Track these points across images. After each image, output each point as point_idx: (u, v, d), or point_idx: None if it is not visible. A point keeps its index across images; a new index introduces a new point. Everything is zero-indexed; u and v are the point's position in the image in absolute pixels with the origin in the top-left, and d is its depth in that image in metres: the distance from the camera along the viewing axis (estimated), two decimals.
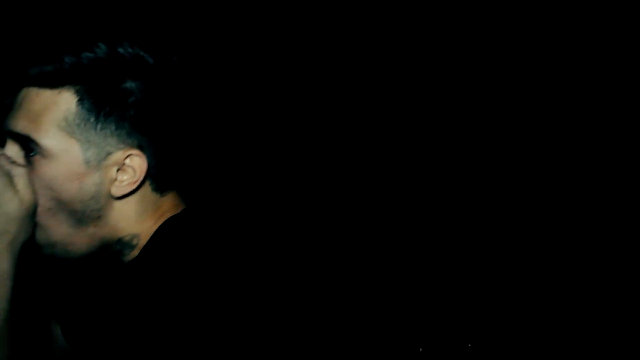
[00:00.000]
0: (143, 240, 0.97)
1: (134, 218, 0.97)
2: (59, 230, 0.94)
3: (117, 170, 0.94)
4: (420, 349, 2.42)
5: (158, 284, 0.88)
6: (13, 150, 0.94)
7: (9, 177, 0.90)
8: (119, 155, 0.93)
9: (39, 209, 0.92)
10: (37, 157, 0.92)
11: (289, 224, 2.29)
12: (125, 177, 0.94)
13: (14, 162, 0.92)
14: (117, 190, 0.94)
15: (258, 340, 0.88)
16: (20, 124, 0.92)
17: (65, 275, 1.21)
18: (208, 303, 0.85)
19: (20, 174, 0.91)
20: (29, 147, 0.92)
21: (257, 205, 2.30)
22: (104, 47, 0.92)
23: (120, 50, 0.93)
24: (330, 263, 2.37)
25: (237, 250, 0.95)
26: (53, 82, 0.91)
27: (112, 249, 0.99)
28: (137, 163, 0.93)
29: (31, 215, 0.91)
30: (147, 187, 0.96)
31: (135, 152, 0.93)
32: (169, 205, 0.99)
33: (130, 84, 0.92)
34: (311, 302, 1.05)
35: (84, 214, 0.93)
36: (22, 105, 0.93)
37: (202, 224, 0.99)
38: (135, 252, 0.98)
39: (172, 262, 0.90)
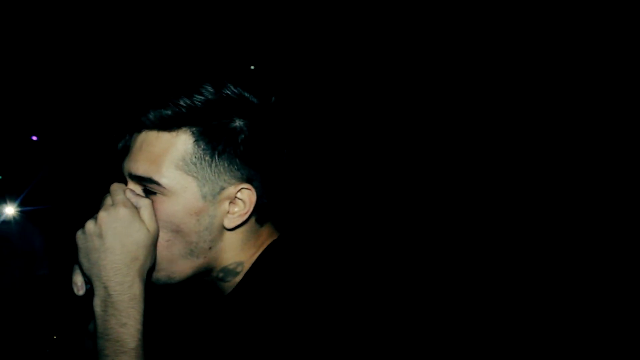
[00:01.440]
0: (246, 267, 1.05)
1: (240, 247, 1.05)
2: (171, 260, 1.02)
3: (229, 203, 1.01)
4: None
5: (269, 310, 0.95)
6: (136, 189, 1.02)
7: (136, 210, 0.99)
8: (231, 189, 1.01)
9: (158, 241, 1.01)
10: (157, 197, 1.00)
11: (366, 250, 2.40)
12: (236, 210, 1.02)
13: (139, 196, 1.01)
14: (229, 222, 1.02)
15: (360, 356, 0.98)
16: (141, 167, 1.00)
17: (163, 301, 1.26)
18: (314, 326, 0.93)
19: (146, 206, 0.99)
20: (149, 189, 1.00)
21: (340, 232, 2.41)
22: (211, 88, 1.00)
23: (227, 91, 1.00)
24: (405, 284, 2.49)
25: (330, 275, 1.02)
26: (171, 124, 0.99)
27: (212, 276, 1.06)
28: (247, 196, 1.01)
29: (154, 244, 1.00)
30: (252, 218, 1.04)
31: (246, 185, 1.01)
32: (267, 234, 1.07)
33: (238, 123, 1.00)
34: (396, 321, 1.16)
35: (197, 245, 1.01)
36: (142, 148, 1.01)
37: (298, 251, 1.06)
38: (237, 279, 1.05)
39: (279, 288, 0.98)
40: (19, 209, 3.27)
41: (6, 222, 3.25)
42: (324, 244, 1.08)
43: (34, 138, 3.43)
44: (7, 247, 3.24)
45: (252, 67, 2.76)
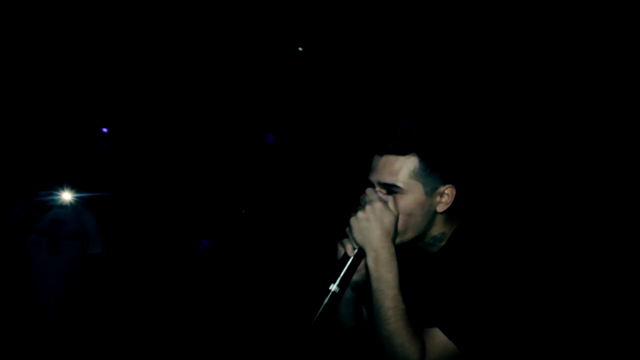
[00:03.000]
0: (447, 237, 1.65)
1: (443, 224, 1.65)
2: (405, 232, 1.60)
3: (440, 196, 1.61)
4: None
5: (469, 263, 1.55)
6: (382, 191, 1.59)
7: (385, 203, 1.57)
8: (441, 188, 1.60)
9: (398, 224, 1.58)
10: (397, 195, 1.58)
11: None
12: (444, 200, 1.61)
13: (386, 195, 1.58)
14: (440, 208, 1.61)
15: (534, 296, 1.57)
16: (387, 178, 1.57)
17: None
18: (504, 272, 1.53)
19: (391, 201, 1.57)
20: (392, 190, 1.58)
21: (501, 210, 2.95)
22: (419, 126, 1.58)
23: (430, 123, 1.60)
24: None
25: (506, 239, 1.61)
26: (404, 151, 1.57)
27: (424, 242, 1.65)
28: (450, 192, 1.61)
29: (397, 223, 1.57)
30: (452, 206, 1.64)
31: (450, 185, 1.61)
32: (458, 216, 1.68)
33: (444, 146, 1.60)
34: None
35: (422, 223, 1.61)
36: (384, 166, 1.58)
37: (480, 226, 1.65)
38: (441, 244, 1.65)
39: (474, 248, 1.58)
40: (74, 195, 3.65)
41: (63, 207, 3.63)
42: (496, 223, 1.67)
43: (105, 130, 3.76)
44: (64, 229, 3.63)
45: (300, 49, 3.22)
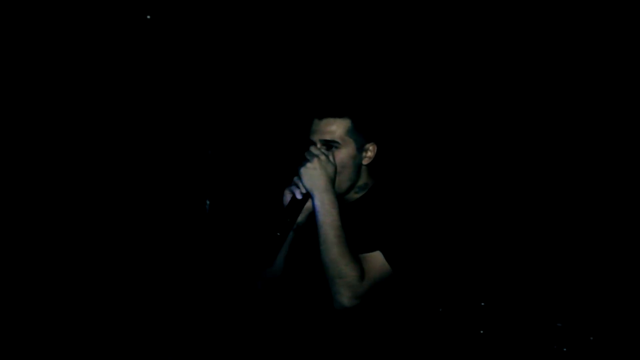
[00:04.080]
0: (369, 187, 2.03)
1: (367, 175, 2.03)
2: (342, 181, 1.96)
3: (366, 151, 1.99)
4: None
5: (389, 204, 1.92)
6: (322, 148, 1.95)
7: (327, 156, 1.92)
8: (367, 145, 1.99)
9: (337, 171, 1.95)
10: (335, 150, 1.94)
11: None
12: (368, 154, 2.00)
13: (327, 150, 1.94)
14: (365, 162, 2.00)
15: (444, 233, 1.96)
16: (327, 136, 1.94)
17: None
18: (417, 212, 1.91)
19: (331, 154, 1.93)
20: (331, 145, 1.94)
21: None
22: (351, 91, 2.01)
23: (360, 91, 2.03)
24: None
25: (414, 190, 2.00)
26: (340, 114, 1.95)
27: (354, 188, 2.02)
28: (373, 148, 2.01)
29: (335, 174, 1.93)
30: (373, 161, 2.02)
31: (373, 143, 2.00)
32: (376, 171, 2.05)
33: (371, 110, 2.00)
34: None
35: (353, 173, 1.98)
36: (325, 127, 1.95)
37: (396, 179, 2.06)
38: (363, 193, 2.03)
39: (393, 193, 1.97)
40: None
41: None
42: (413, 177, 2.08)
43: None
44: None
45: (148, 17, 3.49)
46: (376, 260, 1.87)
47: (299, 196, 1.93)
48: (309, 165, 1.90)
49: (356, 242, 1.90)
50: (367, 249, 1.90)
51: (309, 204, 1.95)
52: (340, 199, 1.98)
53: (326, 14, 3.42)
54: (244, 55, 3.60)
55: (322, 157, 1.91)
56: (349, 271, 1.82)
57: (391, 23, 3.42)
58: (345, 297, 1.82)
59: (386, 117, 2.06)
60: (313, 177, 1.89)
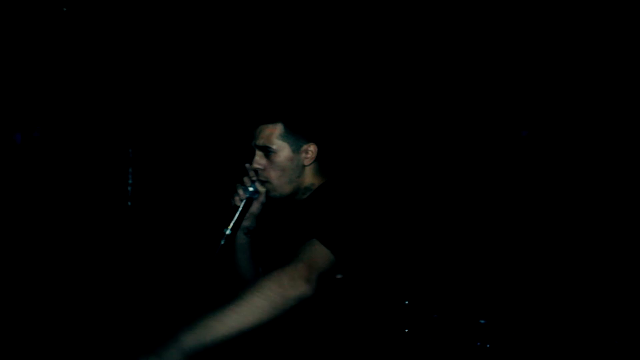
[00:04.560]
0: (315, 186, 2.08)
1: (312, 176, 2.09)
2: (282, 185, 2.05)
3: (305, 152, 2.05)
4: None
5: (329, 202, 1.95)
6: (259, 154, 2.04)
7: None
8: (305, 146, 2.05)
9: (273, 177, 2.03)
10: (272, 155, 2.02)
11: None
12: (308, 155, 2.06)
13: (262, 156, 2.03)
14: (306, 162, 2.06)
15: (384, 229, 2.01)
16: (262, 142, 2.02)
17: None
18: (358, 209, 1.92)
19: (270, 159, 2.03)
20: (268, 150, 2.02)
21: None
22: (283, 96, 2.08)
23: (292, 95, 2.10)
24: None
25: (362, 187, 2.04)
26: (272, 120, 2.02)
27: (299, 191, 2.08)
28: (313, 148, 2.06)
29: None
30: (317, 162, 2.08)
31: (312, 143, 2.06)
32: (326, 174, 2.10)
33: (303, 113, 2.07)
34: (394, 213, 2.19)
35: (294, 174, 2.05)
36: (260, 133, 2.03)
37: (344, 179, 2.09)
38: (309, 193, 2.08)
39: (337, 192, 2.00)
40: None
41: None
42: (358, 181, 2.12)
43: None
44: None
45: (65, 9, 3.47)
46: (312, 246, 1.80)
47: (238, 203, 2.04)
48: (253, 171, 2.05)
49: (300, 239, 1.91)
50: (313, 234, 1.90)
51: (253, 208, 2.06)
52: (291, 201, 2.07)
53: (252, 19, 3.48)
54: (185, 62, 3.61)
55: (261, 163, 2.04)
56: (272, 286, 1.68)
57: (314, 22, 3.49)
58: (297, 291, 1.68)
59: (320, 118, 2.11)
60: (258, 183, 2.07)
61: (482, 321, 3.18)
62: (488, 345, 3.16)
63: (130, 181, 3.58)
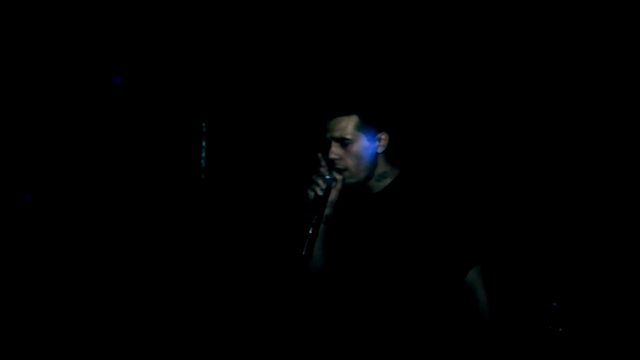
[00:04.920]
0: (390, 175, 2.19)
1: (385, 163, 2.19)
2: (359, 172, 2.14)
3: (378, 141, 2.15)
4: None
5: (418, 195, 2.11)
6: (336, 145, 2.13)
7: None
8: (379, 135, 2.15)
9: (351, 165, 2.13)
10: (349, 145, 2.11)
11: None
12: (382, 143, 2.15)
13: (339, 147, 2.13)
14: (379, 149, 2.15)
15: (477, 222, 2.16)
16: (338, 134, 2.11)
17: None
18: (452, 199, 2.11)
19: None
20: (344, 142, 2.11)
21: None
22: (356, 89, 2.16)
23: (365, 87, 2.18)
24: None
25: (441, 181, 2.17)
26: (347, 112, 2.12)
27: (372, 177, 2.18)
28: (385, 137, 2.16)
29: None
30: (387, 149, 2.18)
31: (384, 132, 2.15)
32: (398, 161, 2.21)
33: (376, 104, 2.16)
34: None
35: (369, 162, 2.15)
36: (335, 125, 2.12)
37: (418, 168, 2.21)
38: (386, 181, 2.19)
39: (418, 184, 2.14)
40: None
41: None
42: (434, 168, 2.23)
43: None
44: None
45: None
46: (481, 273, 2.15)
47: (320, 193, 2.11)
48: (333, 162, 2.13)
49: (388, 231, 2.11)
50: (401, 237, 2.10)
51: (332, 196, 2.12)
52: (363, 188, 2.17)
53: (324, 15, 3.56)
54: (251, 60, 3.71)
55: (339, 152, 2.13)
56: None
57: (388, 19, 3.58)
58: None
59: (392, 108, 2.20)
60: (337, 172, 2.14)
61: (554, 304, 3.21)
62: (560, 330, 3.18)
63: (203, 154, 3.65)
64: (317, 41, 3.61)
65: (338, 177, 2.16)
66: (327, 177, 2.14)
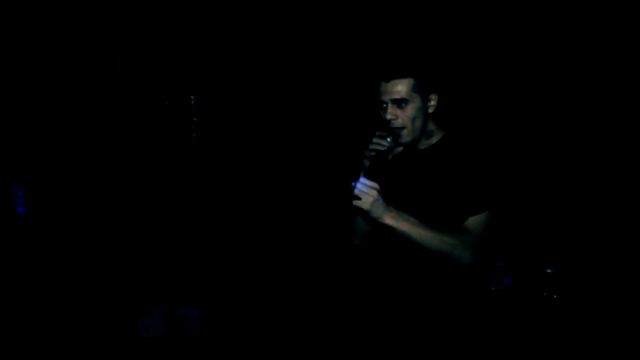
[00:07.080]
0: (436, 135, 2.29)
1: (432, 123, 2.29)
2: (414, 131, 2.22)
3: (429, 101, 2.24)
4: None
5: (459, 157, 2.19)
6: (392, 107, 2.19)
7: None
8: (431, 97, 2.24)
9: (408, 124, 2.20)
10: (406, 106, 2.19)
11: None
12: (432, 104, 2.25)
13: (395, 107, 2.19)
14: (431, 110, 2.26)
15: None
16: (396, 95, 2.19)
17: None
18: (492, 159, 2.17)
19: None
20: (401, 102, 2.18)
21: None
22: (410, 52, 2.06)
23: (419, 51, 2.06)
24: None
25: (485, 143, 2.25)
26: (404, 75, 2.18)
27: (425, 136, 2.27)
28: (436, 97, 2.26)
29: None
30: (435, 110, 2.26)
31: (435, 94, 2.25)
32: (444, 122, 2.31)
33: (429, 67, 2.20)
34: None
35: (423, 121, 2.24)
36: (393, 87, 2.18)
37: (463, 130, 2.29)
38: (432, 140, 2.29)
39: (460, 146, 2.23)
40: None
41: None
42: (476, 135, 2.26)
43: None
44: None
45: None
46: (484, 219, 2.18)
47: (381, 148, 2.19)
48: (364, 201, 2.06)
49: (434, 187, 2.21)
50: (447, 192, 2.19)
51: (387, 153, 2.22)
52: (412, 147, 2.28)
53: None
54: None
55: (369, 191, 2.08)
56: (452, 241, 2.10)
57: None
58: (466, 258, 2.12)
59: (444, 71, 2.31)
60: (374, 207, 2.06)
61: (548, 270, 3.23)
62: (555, 296, 3.17)
63: (194, 126, 3.44)
64: (373, 9, 3.71)
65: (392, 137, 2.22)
66: (388, 139, 2.21)
